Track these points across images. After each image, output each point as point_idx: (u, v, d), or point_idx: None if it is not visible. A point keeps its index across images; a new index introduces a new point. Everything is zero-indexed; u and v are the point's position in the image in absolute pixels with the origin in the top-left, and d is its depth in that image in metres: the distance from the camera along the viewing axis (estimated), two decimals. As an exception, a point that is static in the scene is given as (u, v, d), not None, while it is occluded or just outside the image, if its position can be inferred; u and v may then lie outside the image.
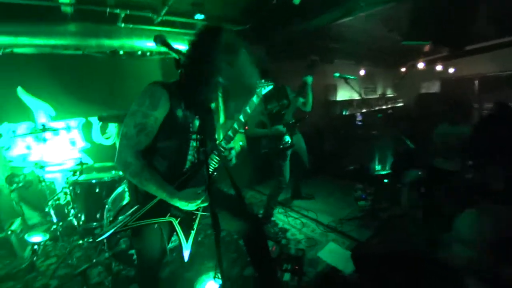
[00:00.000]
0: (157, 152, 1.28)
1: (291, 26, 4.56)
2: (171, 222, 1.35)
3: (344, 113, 7.70)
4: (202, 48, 1.23)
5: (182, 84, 1.30)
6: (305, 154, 3.17)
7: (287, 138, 2.68)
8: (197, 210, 1.39)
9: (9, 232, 2.47)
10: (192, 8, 3.58)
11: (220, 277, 1.21)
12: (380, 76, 9.30)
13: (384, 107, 9.48)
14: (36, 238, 2.51)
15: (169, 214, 1.34)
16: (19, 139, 3.19)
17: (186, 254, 1.39)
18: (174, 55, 1.20)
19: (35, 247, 2.55)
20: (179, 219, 1.36)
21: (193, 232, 1.42)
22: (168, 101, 1.23)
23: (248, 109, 1.56)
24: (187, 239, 1.38)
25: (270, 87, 1.67)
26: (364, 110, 7.61)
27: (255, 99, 1.60)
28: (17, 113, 3.18)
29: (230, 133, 1.51)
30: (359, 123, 7.05)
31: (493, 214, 0.86)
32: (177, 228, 1.36)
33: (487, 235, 0.82)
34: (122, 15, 3.16)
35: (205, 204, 1.31)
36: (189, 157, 1.36)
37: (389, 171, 2.96)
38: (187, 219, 1.39)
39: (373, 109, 8.91)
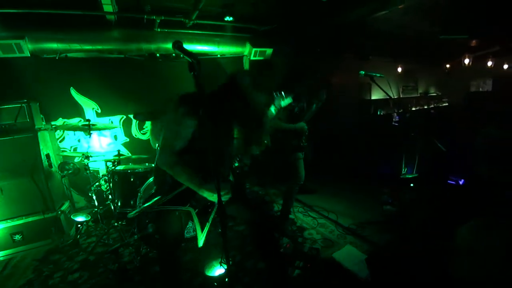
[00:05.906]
0: (187, 151, 1.47)
1: (321, 24, 4.47)
2: (189, 212, 1.52)
3: (378, 113, 7.30)
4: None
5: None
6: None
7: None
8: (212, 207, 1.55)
9: (59, 212, 2.87)
10: (222, 10, 3.74)
11: (225, 263, 1.32)
12: (421, 74, 8.60)
13: (425, 107, 8.76)
14: (80, 218, 2.88)
15: (188, 205, 1.53)
16: (71, 132, 3.67)
17: (200, 241, 1.53)
18: (187, 58, 1.31)
19: (79, 226, 2.93)
20: (196, 210, 1.54)
21: (208, 224, 1.56)
22: (192, 113, 1.41)
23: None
24: (202, 228, 1.53)
25: (289, 101, 1.71)
26: (401, 110, 7.14)
27: (273, 109, 1.65)
28: (70, 110, 3.66)
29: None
30: (396, 124, 6.62)
31: (504, 227, 0.82)
32: (194, 218, 1.53)
33: (497, 248, 0.79)
34: (158, 21, 3.44)
35: (228, 197, 1.44)
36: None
37: (415, 175, 2.79)
38: (203, 211, 1.58)
39: (413, 109, 8.31)
